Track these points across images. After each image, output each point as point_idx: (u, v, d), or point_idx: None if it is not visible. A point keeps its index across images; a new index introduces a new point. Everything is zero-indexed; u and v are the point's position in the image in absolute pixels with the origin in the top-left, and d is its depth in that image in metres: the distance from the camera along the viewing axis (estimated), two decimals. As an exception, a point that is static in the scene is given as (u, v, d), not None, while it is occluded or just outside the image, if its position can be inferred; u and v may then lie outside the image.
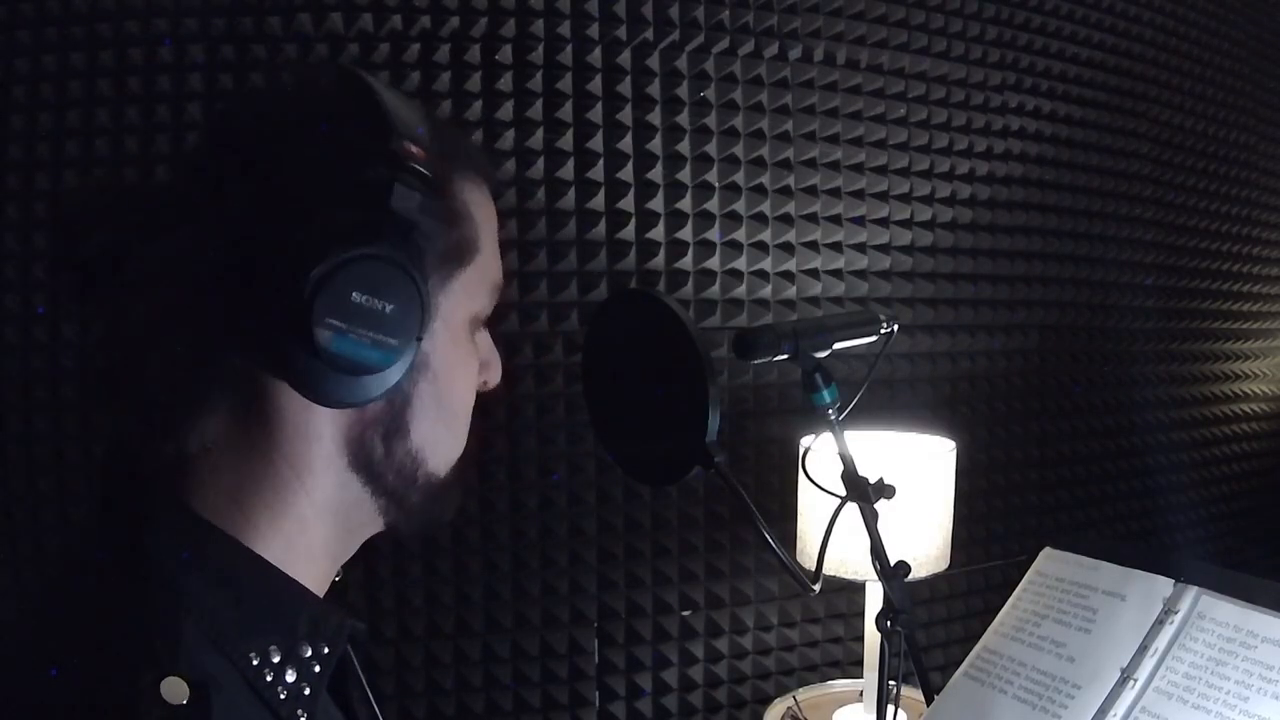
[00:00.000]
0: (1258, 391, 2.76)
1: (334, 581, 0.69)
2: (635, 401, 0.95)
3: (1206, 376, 2.59)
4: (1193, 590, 0.90)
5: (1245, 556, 2.69)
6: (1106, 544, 1.00)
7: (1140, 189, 2.35)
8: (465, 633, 1.76)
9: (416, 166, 0.57)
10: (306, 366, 0.55)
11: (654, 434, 0.94)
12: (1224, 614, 0.86)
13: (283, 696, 0.55)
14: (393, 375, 0.58)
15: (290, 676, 0.56)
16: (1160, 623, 0.89)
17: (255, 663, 0.55)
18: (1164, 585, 0.92)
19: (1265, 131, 2.66)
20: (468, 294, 0.65)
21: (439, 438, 0.65)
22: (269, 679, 0.55)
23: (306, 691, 0.56)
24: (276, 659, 0.56)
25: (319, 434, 0.60)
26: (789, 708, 1.71)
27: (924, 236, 2.03)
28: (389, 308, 0.56)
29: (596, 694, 1.84)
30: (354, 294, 0.54)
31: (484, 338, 0.70)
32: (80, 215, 0.58)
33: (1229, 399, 2.66)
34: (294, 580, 0.59)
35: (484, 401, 0.72)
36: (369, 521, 0.65)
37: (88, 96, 1.60)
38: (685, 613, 1.89)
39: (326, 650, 0.59)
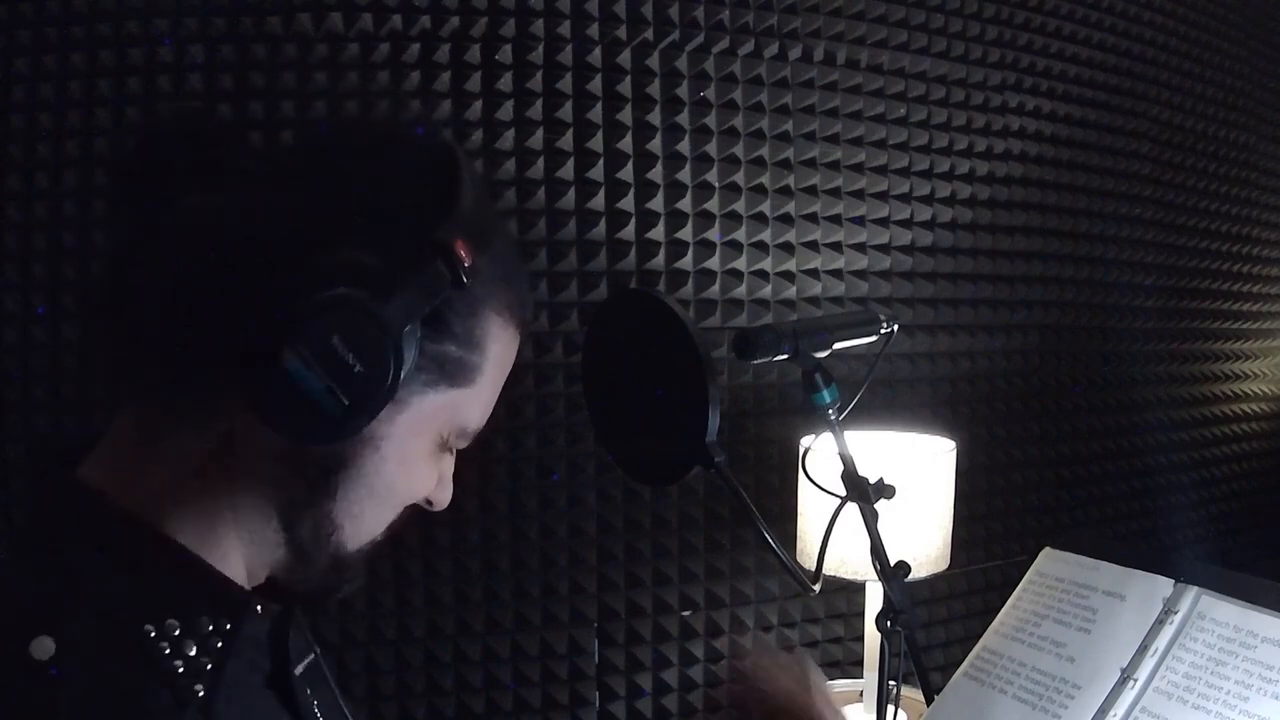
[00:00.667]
0: (1258, 391, 2.76)
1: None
2: (635, 401, 0.95)
3: (1206, 376, 2.59)
4: (1193, 590, 0.90)
5: (1245, 556, 2.69)
6: (1106, 544, 1.00)
7: (1140, 189, 2.35)
8: (465, 633, 1.76)
9: (457, 265, 0.57)
10: (260, 378, 0.54)
11: (654, 434, 0.94)
12: (1224, 614, 0.86)
13: (180, 669, 0.56)
14: (333, 433, 0.56)
15: (190, 650, 0.56)
16: (1160, 623, 0.89)
17: (152, 635, 0.56)
18: (1164, 585, 0.92)
19: (1265, 131, 2.66)
20: (447, 414, 0.64)
21: (361, 517, 0.64)
22: (166, 651, 0.55)
23: (208, 666, 0.57)
24: (175, 632, 0.56)
25: (258, 458, 0.60)
26: (789, 708, 1.70)
27: (924, 236, 2.03)
28: (358, 369, 0.54)
29: (596, 694, 1.84)
30: (334, 337, 0.53)
31: (446, 463, 0.69)
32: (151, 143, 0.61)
33: (1229, 399, 2.66)
34: (201, 559, 0.60)
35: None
36: (272, 564, 0.64)
37: (88, 96, 1.60)
38: (685, 613, 1.89)
39: (229, 625, 0.59)
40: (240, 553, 0.63)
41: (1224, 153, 2.54)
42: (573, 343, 1.76)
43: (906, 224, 2.01)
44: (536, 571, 1.79)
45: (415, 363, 0.58)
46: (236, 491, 0.60)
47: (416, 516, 0.70)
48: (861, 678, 1.71)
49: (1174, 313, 2.47)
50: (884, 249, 1.99)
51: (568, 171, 1.75)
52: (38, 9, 1.58)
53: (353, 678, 1.70)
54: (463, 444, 0.68)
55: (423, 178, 0.60)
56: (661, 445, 0.94)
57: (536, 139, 1.73)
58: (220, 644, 0.58)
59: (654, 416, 0.93)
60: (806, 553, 1.60)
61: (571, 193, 1.76)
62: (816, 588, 0.99)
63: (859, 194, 1.96)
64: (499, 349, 0.65)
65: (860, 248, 1.97)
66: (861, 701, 1.69)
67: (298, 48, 1.64)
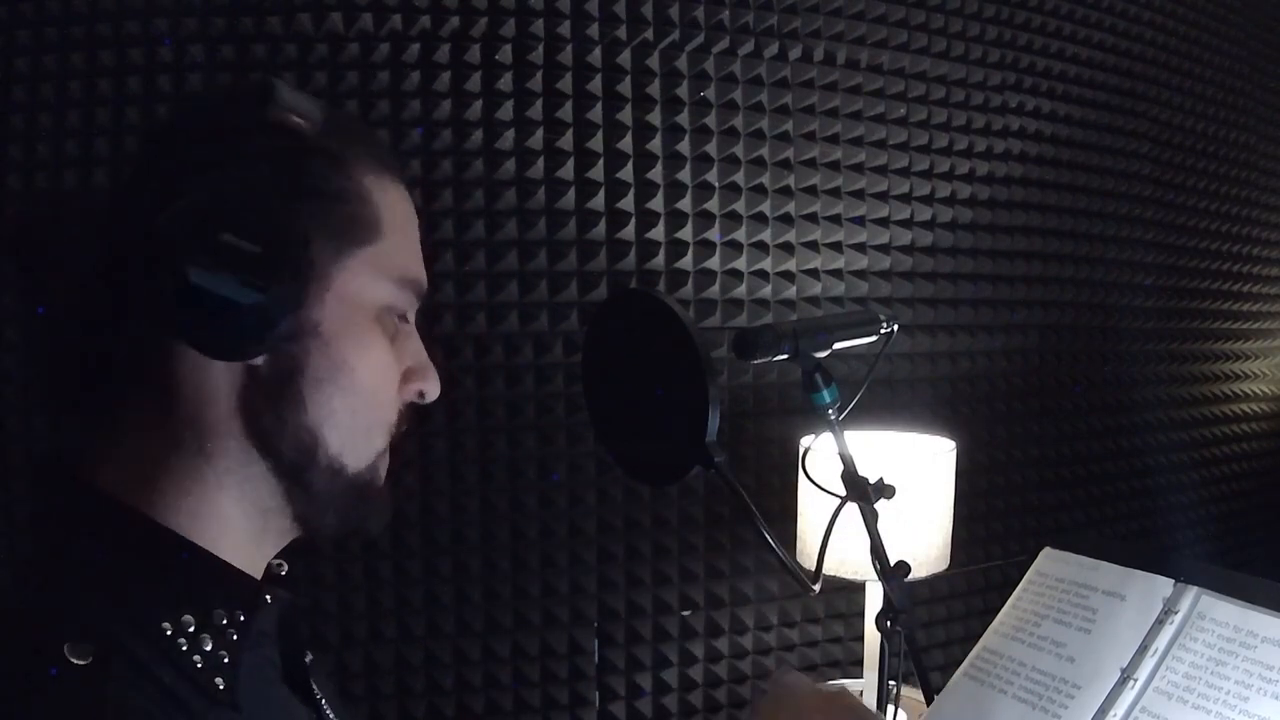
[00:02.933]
0: (1258, 391, 2.76)
1: (281, 574, 0.70)
2: (635, 401, 0.95)
3: (1206, 376, 2.59)
4: (1193, 590, 0.90)
5: (1245, 556, 2.69)
6: (1106, 544, 1.00)
7: (1140, 189, 2.35)
8: (465, 633, 1.76)
9: (295, 132, 0.60)
10: (185, 311, 0.56)
11: (654, 434, 0.94)
12: (1224, 614, 0.86)
13: (199, 664, 0.56)
14: (266, 325, 0.57)
15: (208, 645, 0.57)
16: (1160, 623, 0.89)
17: (169, 632, 0.56)
18: (1164, 585, 0.92)
19: (1265, 131, 2.66)
20: (370, 276, 0.64)
21: (341, 418, 0.63)
22: (184, 648, 0.56)
23: (225, 660, 0.57)
24: (191, 628, 0.57)
25: (213, 396, 0.60)
26: (789, 708, 1.70)
27: (924, 236, 2.03)
28: (258, 251, 0.56)
29: (596, 694, 1.84)
30: (223, 234, 0.55)
31: (414, 345, 0.69)
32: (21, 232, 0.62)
33: (1229, 399, 2.66)
34: (206, 550, 0.60)
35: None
36: (278, 507, 0.64)
37: (88, 96, 1.59)
38: (685, 613, 1.89)
39: (242, 617, 0.60)
40: (242, 520, 0.62)
41: (1224, 153, 2.54)
42: (573, 343, 1.76)
43: (906, 224, 2.01)
44: (536, 571, 1.79)
45: (311, 233, 0.59)
46: (214, 441, 0.60)
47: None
48: (861, 678, 1.71)
49: (1174, 313, 2.47)
50: (884, 249, 1.99)
51: (568, 171, 1.75)
52: (38, 9, 1.58)
53: (353, 678, 1.70)
54: (411, 307, 0.68)
55: (239, 93, 0.63)
56: (662, 445, 0.93)
57: (536, 139, 1.73)
58: (235, 636, 0.59)
59: (654, 416, 0.93)
60: (806, 553, 1.60)
61: (571, 193, 1.76)
62: (816, 588, 0.99)
63: (859, 194, 1.96)
64: (388, 198, 0.66)
65: (860, 248, 1.97)
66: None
67: (298, 48, 1.64)
